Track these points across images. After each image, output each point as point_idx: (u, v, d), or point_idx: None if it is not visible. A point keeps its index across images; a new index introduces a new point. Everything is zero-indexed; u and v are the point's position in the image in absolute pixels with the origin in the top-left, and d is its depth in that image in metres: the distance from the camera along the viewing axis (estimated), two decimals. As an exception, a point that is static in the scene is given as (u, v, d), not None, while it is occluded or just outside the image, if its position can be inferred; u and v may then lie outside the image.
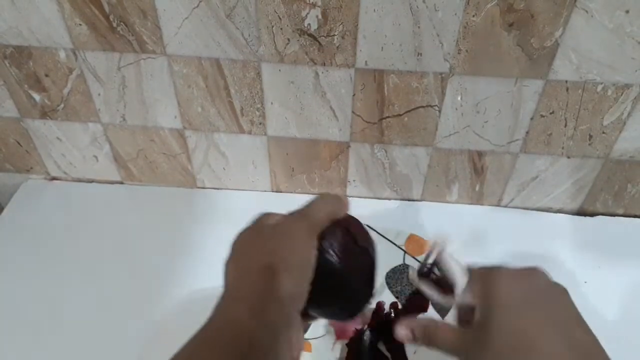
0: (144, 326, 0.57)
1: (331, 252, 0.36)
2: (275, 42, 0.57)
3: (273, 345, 0.31)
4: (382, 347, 0.53)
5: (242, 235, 0.38)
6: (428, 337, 0.37)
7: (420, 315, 0.56)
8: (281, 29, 0.56)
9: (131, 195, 0.75)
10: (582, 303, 0.63)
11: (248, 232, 0.38)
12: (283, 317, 0.33)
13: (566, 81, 0.58)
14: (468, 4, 0.52)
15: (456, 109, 0.62)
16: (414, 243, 0.60)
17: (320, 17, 0.55)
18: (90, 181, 0.76)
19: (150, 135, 0.69)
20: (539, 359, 0.32)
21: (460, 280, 0.38)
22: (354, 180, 0.72)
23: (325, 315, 0.39)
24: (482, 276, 0.38)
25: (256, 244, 0.36)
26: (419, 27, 0.55)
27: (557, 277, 0.67)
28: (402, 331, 0.39)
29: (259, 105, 0.64)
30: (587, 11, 0.52)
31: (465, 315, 0.37)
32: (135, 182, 0.75)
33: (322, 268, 0.35)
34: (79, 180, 0.76)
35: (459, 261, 0.40)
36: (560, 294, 0.37)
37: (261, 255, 0.34)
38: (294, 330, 0.33)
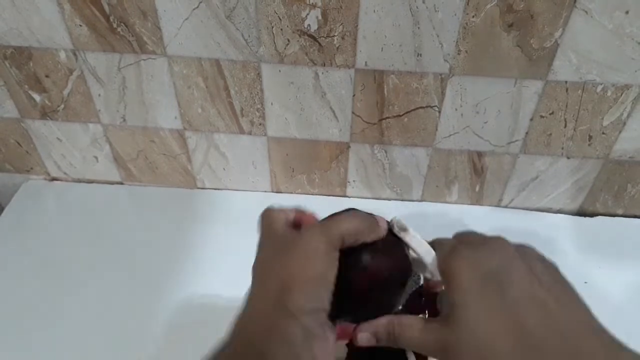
0: (144, 326, 0.57)
1: (358, 264, 0.35)
2: (275, 43, 0.57)
3: None
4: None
5: (265, 240, 0.37)
6: (393, 336, 0.35)
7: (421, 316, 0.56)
8: (281, 29, 0.56)
9: (131, 195, 0.75)
10: (581, 303, 0.62)
11: (270, 239, 0.37)
12: (301, 333, 0.32)
13: (566, 82, 0.58)
14: (468, 4, 0.52)
15: (456, 109, 0.62)
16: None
17: (320, 17, 0.55)
18: (91, 182, 0.76)
19: (151, 136, 0.69)
20: None
21: (427, 259, 0.36)
22: (353, 181, 0.72)
23: (357, 321, 0.38)
24: (443, 259, 0.34)
25: (275, 253, 0.35)
26: (418, 27, 0.55)
27: (557, 277, 0.67)
28: (363, 335, 0.36)
29: (259, 106, 0.64)
30: (586, 12, 0.52)
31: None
32: (136, 182, 0.75)
33: (348, 279, 0.35)
34: (79, 181, 0.76)
35: (422, 240, 0.37)
36: (549, 273, 0.32)
37: (276, 268, 0.34)
38: (316, 344, 0.32)
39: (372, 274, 0.36)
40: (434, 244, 0.37)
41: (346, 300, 0.36)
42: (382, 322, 0.35)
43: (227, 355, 0.32)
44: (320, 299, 0.33)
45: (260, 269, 0.36)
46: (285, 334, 0.31)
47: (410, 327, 0.34)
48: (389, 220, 0.38)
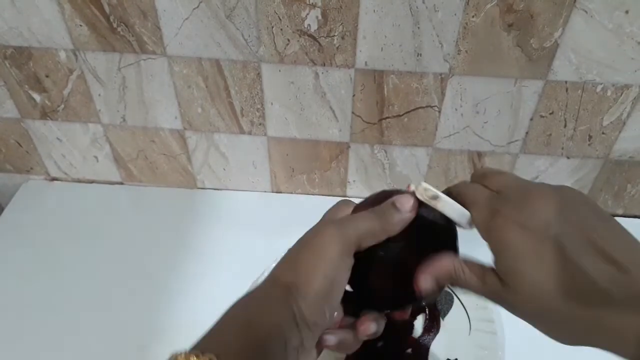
0: (144, 326, 0.57)
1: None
2: (275, 43, 0.57)
3: None
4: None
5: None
6: (454, 279, 0.33)
7: (420, 319, 0.56)
8: (281, 29, 0.56)
9: (131, 195, 0.75)
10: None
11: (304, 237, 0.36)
12: (296, 341, 0.31)
13: (566, 82, 0.58)
14: (468, 4, 0.52)
15: (456, 109, 0.62)
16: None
17: (320, 17, 0.55)
18: (91, 182, 0.76)
19: (151, 136, 0.69)
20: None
21: (463, 222, 0.34)
22: (354, 181, 0.72)
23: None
24: (486, 225, 0.32)
25: (295, 246, 0.35)
26: (418, 27, 0.55)
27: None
28: (425, 277, 0.34)
29: (259, 106, 0.64)
30: (586, 11, 0.52)
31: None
32: (136, 182, 0.75)
33: (366, 279, 0.34)
34: (79, 181, 0.76)
35: (454, 204, 0.35)
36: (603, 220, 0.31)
37: (285, 269, 0.33)
38: (302, 357, 0.32)
39: (395, 275, 0.35)
40: (466, 202, 0.34)
41: (365, 298, 0.35)
42: (445, 263, 0.34)
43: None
44: (322, 316, 0.32)
45: (284, 258, 0.35)
46: (281, 334, 0.31)
47: (471, 275, 0.33)
48: (412, 189, 0.36)
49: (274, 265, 0.35)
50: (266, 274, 0.39)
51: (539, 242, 0.30)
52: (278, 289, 0.32)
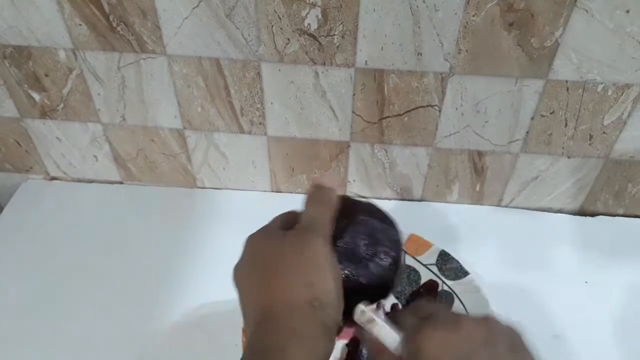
0: (144, 326, 0.57)
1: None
2: (275, 42, 0.57)
3: None
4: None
5: (255, 241, 0.37)
6: None
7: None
8: (281, 28, 0.56)
9: (131, 195, 0.75)
10: (582, 303, 0.63)
11: (261, 240, 0.36)
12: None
13: (566, 81, 0.58)
14: (468, 3, 0.52)
15: (456, 108, 0.62)
16: (414, 243, 0.60)
17: (320, 16, 0.55)
18: (90, 181, 0.76)
19: (150, 135, 0.69)
20: None
21: (393, 345, 0.35)
22: (354, 180, 0.72)
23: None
24: (410, 339, 0.33)
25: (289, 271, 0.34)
26: (419, 26, 0.55)
27: (557, 277, 0.67)
28: None
29: (258, 105, 0.64)
30: (587, 11, 0.52)
31: None
32: (135, 182, 0.75)
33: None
34: (79, 180, 0.76)
35: (388, 328, 0.36)
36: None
37: (296, 287, 0.33)
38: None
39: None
40: (398, 321, 0.35)
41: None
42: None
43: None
44: (341, 313, 0.34)
45: (251, 256, 0.36)
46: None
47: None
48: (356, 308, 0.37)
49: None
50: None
51: None
52: (302, 311, 0.33)
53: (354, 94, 0.61)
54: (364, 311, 0.36)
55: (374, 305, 0.37)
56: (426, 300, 0.37)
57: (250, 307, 0.34)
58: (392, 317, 0.36)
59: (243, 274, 0.36)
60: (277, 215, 0.39)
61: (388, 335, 0.35)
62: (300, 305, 0.32)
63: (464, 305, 0.55)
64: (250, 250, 0.37)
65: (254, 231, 0.38)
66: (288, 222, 0.37)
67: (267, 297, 0.34)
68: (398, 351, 0.34)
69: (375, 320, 0.35)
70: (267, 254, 0.35)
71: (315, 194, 0.38)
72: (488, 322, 0.34)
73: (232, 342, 0.50)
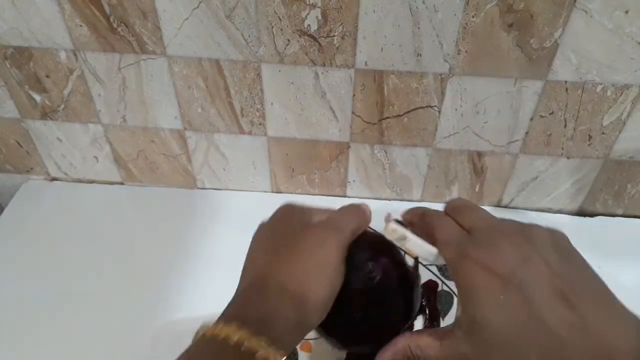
0: (144, 326, 0.57)
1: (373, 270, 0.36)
2: (275, 43, 0.57)
3: None
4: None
5: (287, 211, 0.37)
6: (412, 359, 0.34)
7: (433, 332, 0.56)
8: (281, 29, 0.56)
9: (131, 195, 0.75)
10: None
11: (292, 215, 0.37)
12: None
13: (566, 82, 0.58)
14: (467, 4, 0.52)
15: (456, 109, 0.62)
16: (413, 243, 0.60)
17: (320, 17, 0.55)
18: (91, 182, 0.76)
19: (151, 136, 0.69)
20: None
21: (431, 258, 0.35)
22: (353, 181, 0.72)
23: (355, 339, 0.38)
24: (453, 265, 0.32)
25: (293, 257, 0.35)
26: (418, 27, 0.55)
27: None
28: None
29: (259, 106, 0.64)
30: (586, 12, 0.52)
31: None
32: (136, 182, 0.75)
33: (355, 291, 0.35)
34: (80, 181, 0.76)
35: (422, 242, 0.35)
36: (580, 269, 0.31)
37: (289, 275, 0.33)
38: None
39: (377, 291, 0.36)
40: (436, 237, 0.35)
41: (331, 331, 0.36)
42: (399, 346, 0.35)
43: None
44: (322, 318, 0.34)
45: (260, 245, 0.36)
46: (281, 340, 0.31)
47: (427, 348, 0.33)
48: (393, 218, 0.37)
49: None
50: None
51: (505, 290, 0.29)
52: (286, 297, 0.33)
53: (353, 95, 0.61)
54: (395, 229, 0.35)
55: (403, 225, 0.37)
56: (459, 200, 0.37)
57: (250, 267, 0.35)
58: (428, 219, 0.36)
59: (263, 233, 0.37)
60: (320, 207, 0.39)
61: (422, 249, 0.34)
62: (288, 297, 0.33)
63: (463, 306, 0.55)
64: (280, 217, 0.37)
65: (292, 202, 0.38)
66: (320, 214, 0.38)
67: (268, 268, 0.34)
68: (437, 262, 0.34)
69: (407, 237, 0.35)
70: (289, 230, 0.36)
71: (352, 207, 0.38)
72: (532, 229, 0.33)
73: (232, 342, 0.50)
